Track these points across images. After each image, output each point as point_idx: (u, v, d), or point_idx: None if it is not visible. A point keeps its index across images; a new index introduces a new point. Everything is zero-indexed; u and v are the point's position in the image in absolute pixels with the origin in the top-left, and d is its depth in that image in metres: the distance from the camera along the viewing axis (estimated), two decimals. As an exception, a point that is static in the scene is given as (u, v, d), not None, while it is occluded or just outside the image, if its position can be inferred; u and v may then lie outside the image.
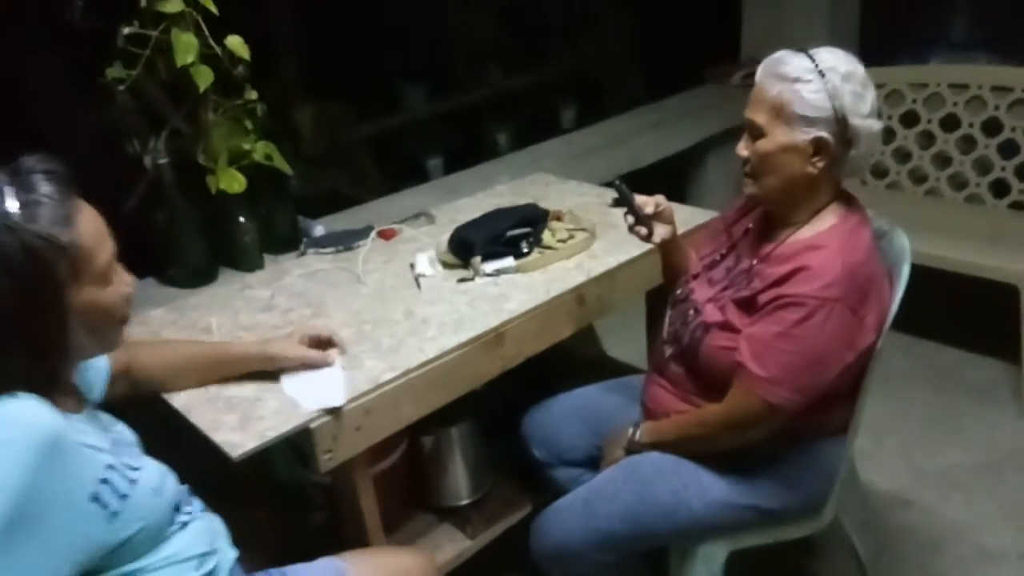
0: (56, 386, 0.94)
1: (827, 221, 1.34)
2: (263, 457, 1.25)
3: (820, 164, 1.29)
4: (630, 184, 1.53)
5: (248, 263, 1.82)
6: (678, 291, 1.56)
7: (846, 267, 1.26)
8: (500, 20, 3.79)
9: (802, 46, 1.31)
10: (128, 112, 1.76)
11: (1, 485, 0.81)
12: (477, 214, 1.82)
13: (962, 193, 2.82)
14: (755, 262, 1.39)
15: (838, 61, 1.27)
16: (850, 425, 1.44)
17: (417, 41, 3.56)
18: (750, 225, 1.48)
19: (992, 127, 2.73)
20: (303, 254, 1.87)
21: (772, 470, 1.42)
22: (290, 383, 1.32)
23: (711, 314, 1.40)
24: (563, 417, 1.67)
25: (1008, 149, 2.71)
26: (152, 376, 1.30)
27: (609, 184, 1.96)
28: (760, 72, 1.32)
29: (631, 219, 1.50)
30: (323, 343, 1.39)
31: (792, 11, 3.41)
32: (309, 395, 1.29)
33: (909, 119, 2.92)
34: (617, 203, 1.79)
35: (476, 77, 3.79)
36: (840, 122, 1.26)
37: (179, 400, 1.32)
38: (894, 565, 1.90)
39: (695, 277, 1.53)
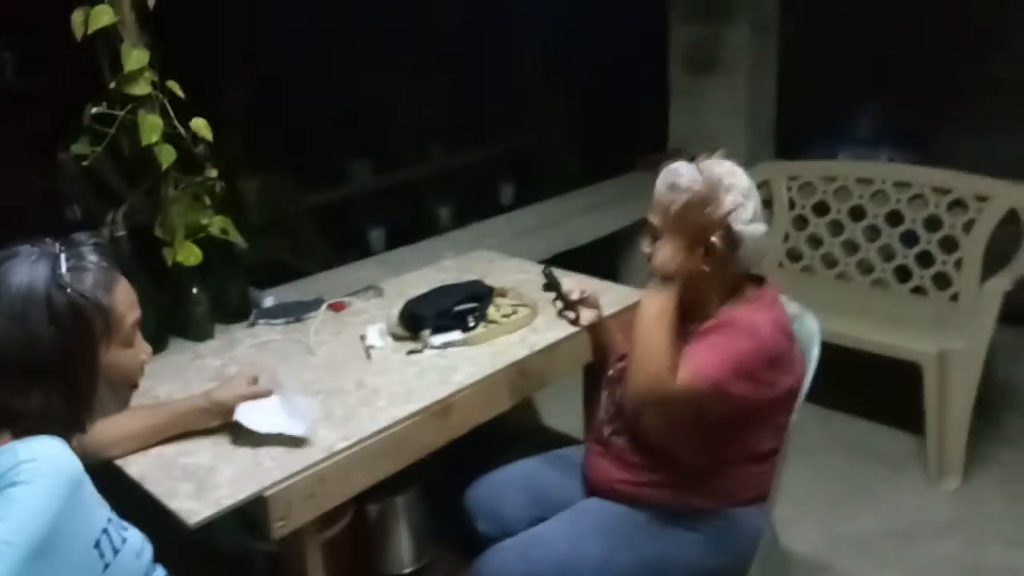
0: (79, 435, 1.02)
1: (742, 302, 1.48)
2: (206, 524, 1.26)
3: (709, 264, 1.43)
4: (567, 262, 1.65)
5: (199, 333, 1.85)
6: (610, 372, 1.67)
7: (769, 318, 1.42)
8: (444, 100, 3.95)
9: (695, 157, 1.48)
10: (80, 184, 1.81)
11: (38, 514, 0.88)
12: (425, 288, 1.91)
13: (869, 277, 3.03)
14: (681, 344, 1.51)
15: (723, 173, 1.43)
16: (770, 491, 1.56)
17: (363, 117, 3.69)
18: None
19: (895, 218, 2.97)
20: (253, 324, 1.92)
21: (700, 532, 1.51)
22: (263, 421, 1.39)
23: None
24: (505, 490, 1.72)
25: (909, 238, 2.94)
26: (99, 451, 1.32)
27: (547, 262, 2.09)
28: (658, 181, 1.48)
29: (560, 304, 1.62)
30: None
31: (714, 106, 3.64)
32: (287, 423, 1.37)
33: (821, 209, 3.14)
34: (547, 288, 1.92)
35: (419, 154, 3.93)
36: (724, 228, 1.41)
37: (134, 469, 1.34)
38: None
39: (623, 358, 1.64)
